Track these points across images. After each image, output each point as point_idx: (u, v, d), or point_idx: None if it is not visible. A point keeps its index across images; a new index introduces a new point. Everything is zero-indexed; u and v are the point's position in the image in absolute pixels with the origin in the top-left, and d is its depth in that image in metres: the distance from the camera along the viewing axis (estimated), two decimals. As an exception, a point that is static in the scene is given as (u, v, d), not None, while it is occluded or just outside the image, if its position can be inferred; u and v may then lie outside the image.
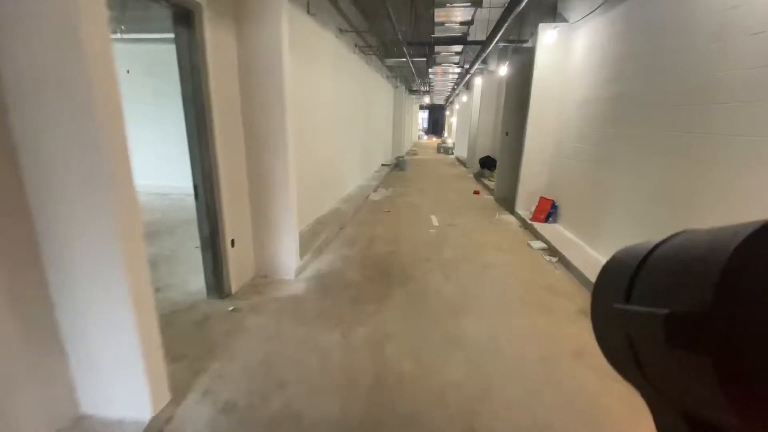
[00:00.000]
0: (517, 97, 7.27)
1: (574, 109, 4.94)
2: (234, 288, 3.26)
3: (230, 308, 3.02)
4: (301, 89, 4.60)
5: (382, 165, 11.96)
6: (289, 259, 3.54)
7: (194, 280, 3.34)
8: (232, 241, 3.18)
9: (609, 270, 0.37)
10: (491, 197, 7.80)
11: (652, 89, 3.29)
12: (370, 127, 9.85)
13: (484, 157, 10.22)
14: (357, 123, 8.20)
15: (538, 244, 4.65)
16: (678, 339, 0.25)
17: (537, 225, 5.28)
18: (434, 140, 31.17)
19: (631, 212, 3.57)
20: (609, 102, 4.03)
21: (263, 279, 3.54)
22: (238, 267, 3.29)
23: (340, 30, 6.05)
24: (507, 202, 7.00)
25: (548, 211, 5.33)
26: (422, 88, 19.01)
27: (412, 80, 16.30)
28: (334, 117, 6.28)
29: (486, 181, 9.17)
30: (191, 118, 2.83)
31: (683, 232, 0.31)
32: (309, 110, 4.94)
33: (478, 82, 11.43)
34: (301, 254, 3.83)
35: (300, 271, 3.69)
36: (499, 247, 4.64)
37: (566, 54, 5.25)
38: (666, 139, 3.12)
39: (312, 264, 3.94)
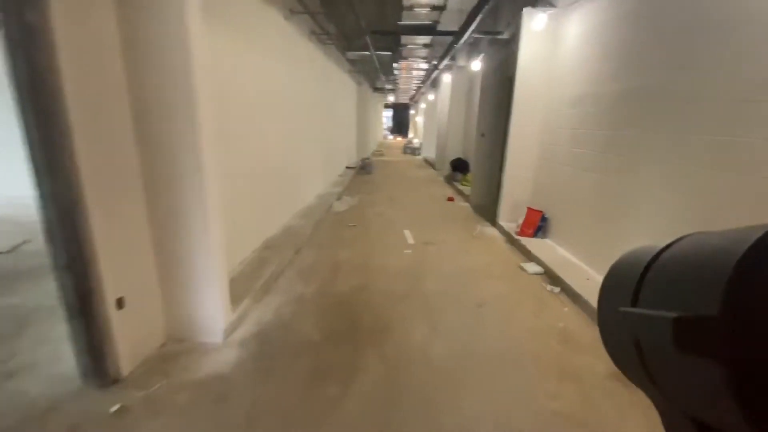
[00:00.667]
0: (495, 94, 6.58)
1: (567, 108, 4.26)
2: (127, 367, 2.20)
3: (113, 408, 1.96)
4: (235, 79, 3.56)
5: (347, 168, 10.99)
6: (214, 314, 2.52)
7: (71, 352, 2.24)
8: (119, 301, 2.12)
9: (616, 272, 0.36)
10: (467, 204, 7.08)
11: (692, 81, 2.59)
12: (332, 127, 8.85)
13: (456, 159, 9.55)
14: (317, 122, 7.19)
15: (532, 268, 3.92)
16: (687, 343, 0.25)
17: (525, 240, 4.58)
18: (399, 140, 30.53)
19: (655, 232, 2.89)
20: (620, 99, 3.35)
21: (178, 345, 2.49)
22: (133, 335, 2.23)
23: (291, 11, 5.03)
24: (486, 211, 6.30)
25: (537, 224, 4.65)
26: (387, 86, 18.23)
27: (376, 77, 15.43)
28: (288, 116, 5.26)
29: (459, 186, 8.48)
30: (28, 117, 1.76)
31: (692, 234, 0.31)
32: (249, 107, 3.90)
33: (446, 79, 10.74)
34: (237, 299, 2.82)
35: (232, 328, 2.67)
36: (488, 273, 3.86)
37: (555, 43, 4.58)
38: (709, 146, 2.43)
39: (252, 313, 2.93)
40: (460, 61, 9.57)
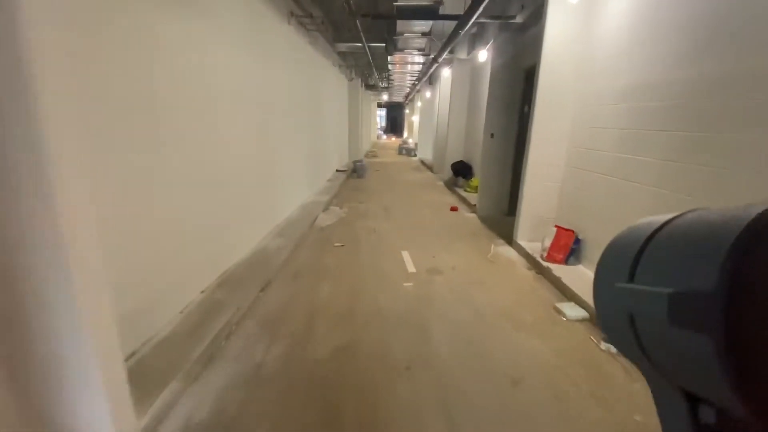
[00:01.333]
0: (506, 89, 5.67)
1: (612, 103, 3.35)
2: None
3: None
4: (185, 71, 2.59)
5: (338, 171, 10.02)
6: (98, 430, 1.55)
7: None
8: None
9: (614, 247, 0.36)
10: (473, 215, 6.15)
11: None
12: (320, 127, 7.88)
13: (458, 162, 8.63)
14: (300, 121, 6.22)
15: (573, 311, 2.99)
16: (681, 318, 0.25)
17: (555, 268, 3.66)
18: (394, 140, 29.62)
19: None
20: (701, 89, 2.44)
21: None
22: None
23: (262, -17, 4.06)
24: (498, 225, 5.38)
25: (569, 248, 3.73)
26: (380, 84, 17.30)
27: (369, 74, 14.48)
28: (260, 113, 4.28)
29: (462, 192, 7.56)
30: None
31: (693, 210, 0.30)
32: (203, 102, 2.92)
33: (446, 73, 9.82)
34: (156, 386, 1.85)
35: (138, 445, 1.70)
36: (516, 319, 2.92)
37: (592, 22, 3.66)
38: None
39: (179, 408, 1.95)
40: (461, 54, 8.66)
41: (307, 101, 6.86)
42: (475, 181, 7.50)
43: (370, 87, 18.58)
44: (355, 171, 10.11)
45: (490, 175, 5.94)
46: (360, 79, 13.57)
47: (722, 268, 0.23)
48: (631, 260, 0.32)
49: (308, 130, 6.94)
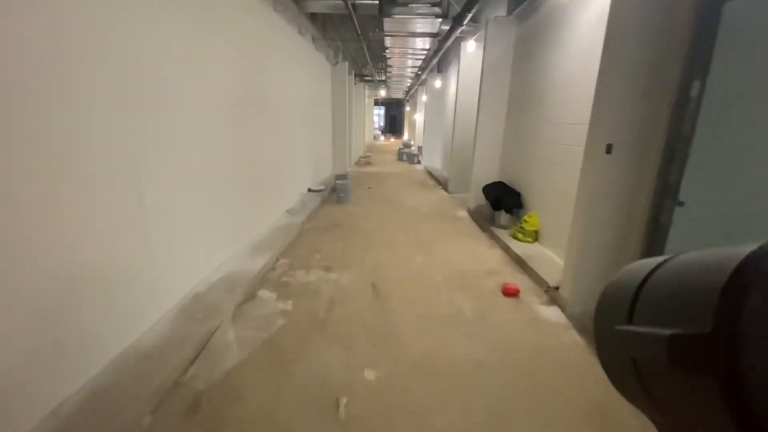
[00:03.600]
0: (652, 45, 2.51)
1: None
2: None
3: None
4: None
5: (310, 191, 6.84)
6: None
7: None
8: None
9: (610, 292, 0.36)
10: (561, 316, 2.96)
11: None
12: (274, 127, 4.73)
13: (495, 185, 5.44)
14: (219, 119, 3.09)
15: None
16: (681, 360, 0.25)
17: None
18: (393, 141, 26.44)
19: None
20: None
21: None
22: None
23: None
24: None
25: None
26: (377, 75, 14.16)
27: (362, 62, 11.34)
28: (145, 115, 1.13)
29: (510, 240, 4.39)
30: None
31: (687, 252, 0.31)
32: None
33: (470, 48, 6.64)
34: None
35: None
36: None
37: None
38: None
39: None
40: (499, 9, 5.48)
41: (254, 94, 3.84)
42: (532, 219, 4.33)
43: (365, 80, 15.46)
44: (336, 191, 6.90)
45: (596, 226, 2.77)
46: (348, 64, 10.41)
47: (717, 308, 0.23)
48: (628, 302, 0.32)
49: (242, 132, 3.80)
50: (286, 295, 3.11)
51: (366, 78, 14.88)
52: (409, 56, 10.80)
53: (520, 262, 3.88)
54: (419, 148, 14.37)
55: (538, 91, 4.45)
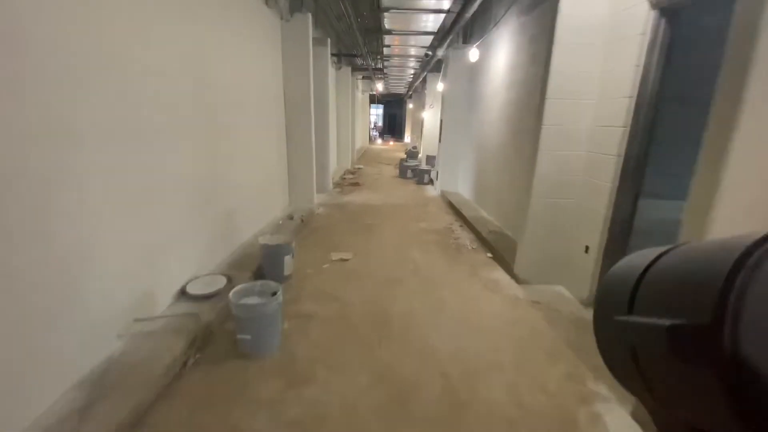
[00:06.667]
0: None
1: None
2: None
3: None
4: None
5: (184, 295, 3.02)
6: None
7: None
8: None
9: (610, 282, 0.36)
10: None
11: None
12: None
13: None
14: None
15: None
16: (681, 351, 0.25)
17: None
18: (393, 145, 22.60)
19: None
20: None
21: None
22: None
23: None
24: None
25: None
26: (372, 63, 10.42)
27: (351, 41, 7.56)
28: None
29: None
30: None
31: (687, 242, 0.31)
32: None
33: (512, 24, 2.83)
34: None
35: None
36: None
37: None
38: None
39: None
40: None
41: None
42: None
43: (357, 68, 11.71)
44: (237, 322, 2.84)
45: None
46: (330, 39, 6.62)
47: (717, 300, 0.23)
48: (629, 293, 0.31)
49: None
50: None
51: (360, 66, 11.16)
52: (412, 41, 6.99)
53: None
54: (429, 159, 10.53)
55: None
